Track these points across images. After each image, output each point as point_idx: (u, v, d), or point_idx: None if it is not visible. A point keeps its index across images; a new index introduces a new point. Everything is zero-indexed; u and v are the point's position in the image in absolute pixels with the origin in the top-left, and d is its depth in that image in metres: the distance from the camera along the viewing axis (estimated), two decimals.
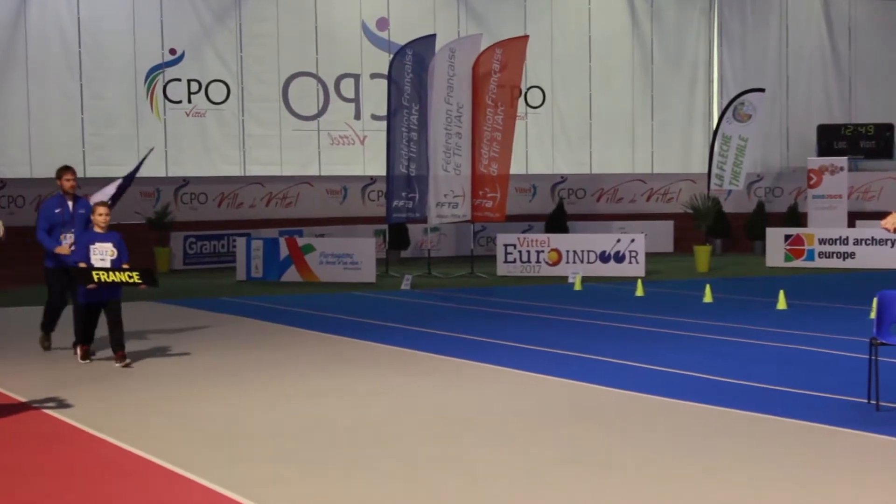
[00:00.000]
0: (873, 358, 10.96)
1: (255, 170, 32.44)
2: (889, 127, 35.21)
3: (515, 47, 27.72)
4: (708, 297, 20.84)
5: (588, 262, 26.11)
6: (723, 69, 36.77)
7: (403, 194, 26.68)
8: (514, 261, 26.53)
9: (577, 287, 23.70)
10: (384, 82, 28.61)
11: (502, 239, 26.87)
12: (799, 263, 27.75)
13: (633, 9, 36.15)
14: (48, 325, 15.56)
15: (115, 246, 13.94)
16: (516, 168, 30.09)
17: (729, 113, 32.95)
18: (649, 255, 26.61)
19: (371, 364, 14.19)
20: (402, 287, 24.07)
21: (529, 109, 34.47)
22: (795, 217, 32.68)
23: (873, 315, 15.02)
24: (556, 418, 10.72)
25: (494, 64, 27.01)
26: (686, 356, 14.44)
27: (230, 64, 32.18)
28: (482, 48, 27.56)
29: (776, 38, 37.08)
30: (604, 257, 26.21)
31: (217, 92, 32.11)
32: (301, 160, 33.01)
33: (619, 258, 26.15)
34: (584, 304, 20.91)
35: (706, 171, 33.33)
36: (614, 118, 35.94)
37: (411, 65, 26.78)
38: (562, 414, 10.93)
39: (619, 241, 26.45)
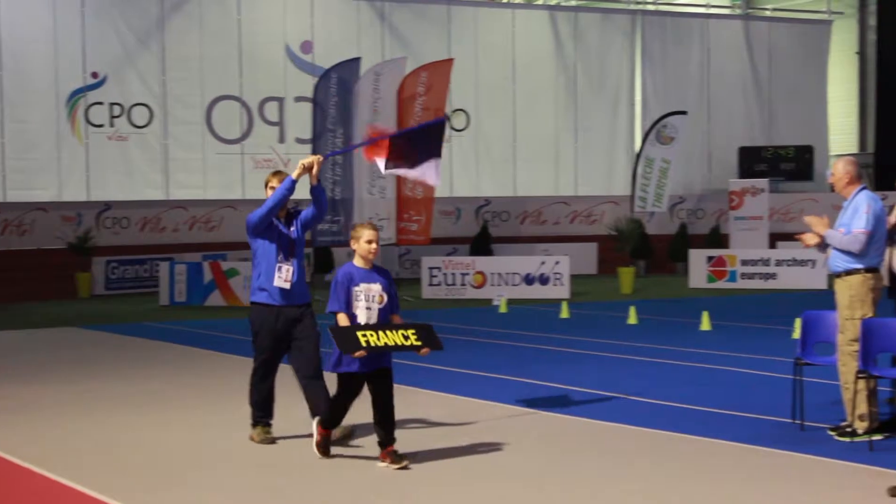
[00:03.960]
0: (797, 378, 11.07)
1: (178, 193, 32.22)
2: (808, 149, 35.66)
3: (440, 70, 27.77)
4: (632, 319, 20.95)
5: (513, 285, 26.17)
6: (645, 92, 37.06)
7: (328, 218, 26.59)
8: (439, 283, 26.54)
9: (503, 309, 23.75)
10: (309, 105, 28.56)
11: (427, 262, 26.89)
12: (721, 284, 27.98)
13: (556, 32, 36.35)
14: (264, 404, 10.91)
15: (384, 288, 9.94)
16: (441, 191, 30.11)
17: (652, 135, 33.21)
18: (573, 277, 26.73)
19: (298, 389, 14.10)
20: (328, 311, 23.95)
21: (454, 132, 34.51)
22: (717, 238, 32.97)
23: (796, 335, 15.19)
24: (483, 440, 10.72)
25: (419, 87, 27.05)
26: (611, 377, 14.50)
27: (153, 87, 31.97)
28: (407, 71, 27.60)
29: (697, 62, 37.46)
30: (528, 279, 26.28)
31: (140, 115, 31.87)
32: (224, 183, 32.84)
33: (543, 280, 26.24)
34: (509, 326, 20.95)
35: (629, 193, 33.55)
36: (538, 141, 36.08)
37: (336, 88, 26.75)
38: (489, 436, 10.93)
39: (543, 263, 26.55)
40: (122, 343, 19.18)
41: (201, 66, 32.34)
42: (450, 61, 28.50)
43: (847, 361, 10.56)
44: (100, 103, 31.49)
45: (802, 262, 27.51)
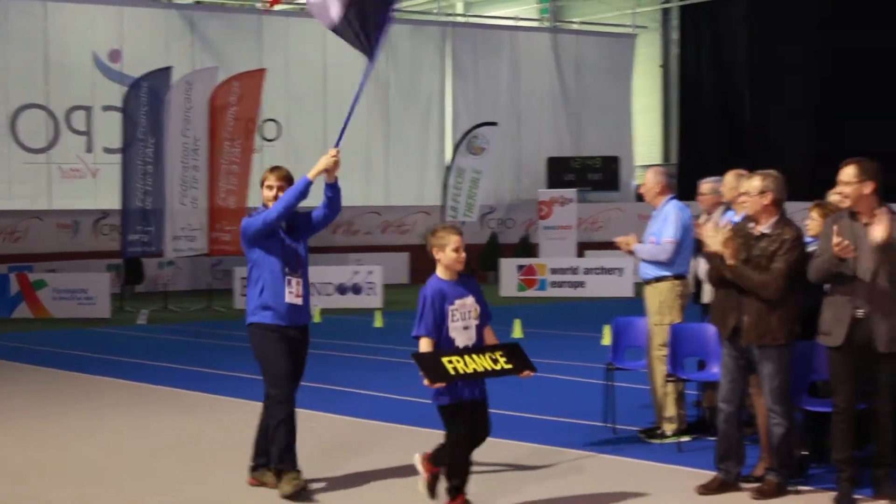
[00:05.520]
0: (609, 383, 11.36)
1: None
2: (615, 160, 36.41)
3: (252, 80, 27.65)
4: None
5: (326, 295, 26.18)
6: (456, 103, 37.39)
7: (139, 228, 26.27)
8: None
9: (317, 319, 23.74)
10: (118, 115, 28.14)
11: (240, 272, 26.72)
12: (532, 293, 28.42)
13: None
14: (291, 446, 9.35)
15: (477, 300, 8.54)
16: (253, 201, 29.92)
17: (462, 146, 33.52)
18: (386, 287, 26.87)
19: (115, 401, 13.97)
20: (139, 322, 23.72)
21: (265, 142, 34.35)
22: (527, 247, 33.45)
23: (605, 341, 15.56)
24: (299, 448, 10.77)
25: (231, 97, 26.90)
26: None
27: None
28: (218, 81, 27.43)
29: (507, 74, 37.91)
30: (341, 289, 26.34)
31: None
32: (30, 194, 32.12)
33: (356, 290, 26.33)
34: (323, 335, 20.94)
35: (440, 203, 33.82)
36: (349, 151, 35.86)
37: (146, 97, 26.43)
38: (302, 444, 10.97)
39: (356, 273, 26.65)
40: None
41: (6, 74, 31.57)
42: (262, 71, 28.39)
43: (656, 366, 10.90)
44: None
45: (610, 271, 28.10)
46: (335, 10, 9.94)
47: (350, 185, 35.88)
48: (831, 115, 33.59)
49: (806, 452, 9.51)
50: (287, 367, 9.14)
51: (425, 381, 8.04)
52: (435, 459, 8.68)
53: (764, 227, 8.98)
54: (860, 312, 8.57)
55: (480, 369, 8.16)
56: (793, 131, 34.71)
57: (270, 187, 9.34)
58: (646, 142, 40.28)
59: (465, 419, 8.33)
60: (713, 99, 38.32)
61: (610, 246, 11.39)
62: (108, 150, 32.00)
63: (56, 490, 9.41)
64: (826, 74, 34.15)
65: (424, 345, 8.28)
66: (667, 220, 10.93)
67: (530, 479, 9.46)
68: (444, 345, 8.27)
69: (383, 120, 36.53)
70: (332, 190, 9.40)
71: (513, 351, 8.39)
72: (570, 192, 32.54)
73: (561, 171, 36.20)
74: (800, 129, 34.57)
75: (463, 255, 8.39)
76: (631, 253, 11.15)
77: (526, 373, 8.40)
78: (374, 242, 34.68)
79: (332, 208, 9.49)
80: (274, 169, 9.54)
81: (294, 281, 9.18)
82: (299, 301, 9.18)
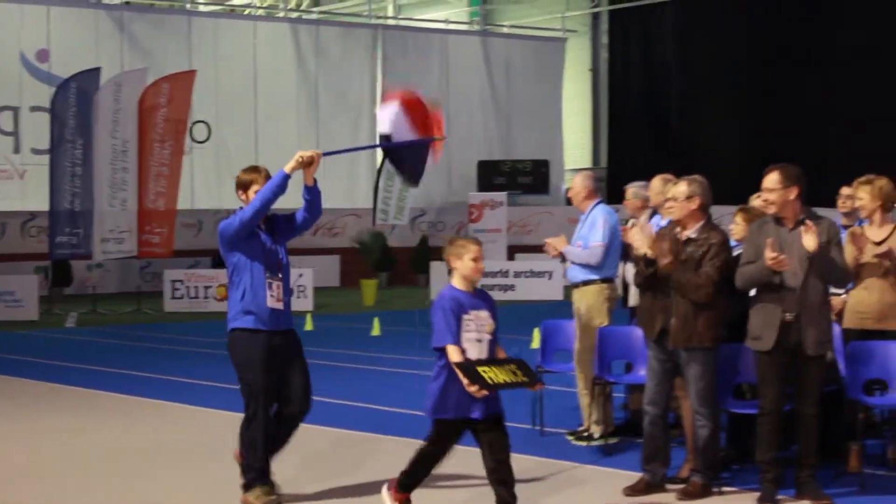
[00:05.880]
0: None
1: None
2: (545, 163, 36.57)
3: (182, 82, 27.56)
4: (376, 330, 21.20)
5: None
6: None
7: (67, 230, 26.08)
8: (182, 297, 26.32)
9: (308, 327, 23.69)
10: (46, 115, 27.93)
11: (169, 275, 26.64)
12: None
13: (298, 44, 36.40)
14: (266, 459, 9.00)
15: (492, 315, 8.30)
16: (182, 203, 29.79)
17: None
18: (317, 290, 26.84)
19: (43, 404, 13.89)
20: (67, 325, 23.56)
21: (195, 144, 34.21)
22: None
23: (535, 345, 15.65)
24: (227, 450, 10.77)
25: (161, 98, 26.78)
26: (357, 388, 14.70)
27: None
28: (148, 82, 27.30)
29: (438, 77, 37.97)
30: None
31: None
32: None
33: None
34: None
35: (371, 205, 33.82)
36: (280, 153, 35.61)
37: (75, 98, 26.25)
38: (231, 446, 10.98)
39: None
40: None
41: None
42: (192, 73, 28.31)
43: (584, 368, 10.99)
44: None
45: (540, 274, 28.24)
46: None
47: None
48: (759, 120, 33.97)
49: (729, 453, 9.67)
50: (265, 379, 8.73)
51: (472, 389, 7.77)
52: (403, 485, 8.33)
53: (690, 232, 9.09)
54: (789, 316, 8.70)
55: (507, 381, 7.92)
56: (720, 136, 35.06)
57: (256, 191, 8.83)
58: (576, 145, 40.51)
59: (454, 440, 8.20)
60: (642, 103, 38.63)
61: (540, 249, 11.48)
62: (36, 151, 31.76)
63: None
64: (754, 80, 34.51)
65: (454, 352, 7.96)
66: (594, 224, 11.04)
67: (457, 481, 9.52)
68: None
69: (314, 122, 36.51)
70: (311, 193, 8.91)
71: (522, 364, 8.15)
72: (501, 196, 32.67)
73: (491, 175, 36.31)
74: (727, 134, 34.92)
75: (482, 265, 8.21)
76: (560, 255, 11.24)
77: (538, 385, 8.35)
78: (305, 245, 34.55)
79: (312, 212, 9.01)
80: (252, 169, 9.04)
81: (275, 285, 8.81)
82: (280, 305, 8.81)
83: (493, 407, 8.07)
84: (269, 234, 8.91)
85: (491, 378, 7.79)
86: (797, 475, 8.88)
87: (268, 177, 8.85)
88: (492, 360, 8.02)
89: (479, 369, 7.83)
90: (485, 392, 7.76)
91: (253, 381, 8.76)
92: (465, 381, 7.78)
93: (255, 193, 8.76)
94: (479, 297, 8.20)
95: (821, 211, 9.04)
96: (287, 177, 8.65)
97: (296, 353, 8.98)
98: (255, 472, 8.80)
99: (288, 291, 8.92)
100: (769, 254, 8.53)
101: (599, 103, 40.75)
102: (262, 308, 8.73)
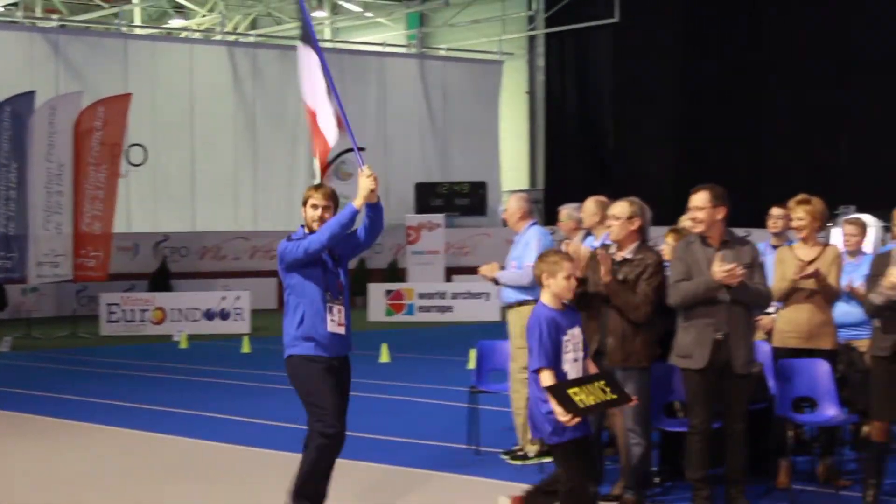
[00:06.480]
0: (473, 405, 11.53)
1: None
2: (482, 185, 36.68)
3: (117, 105, 27.43)
4: None
5: (193, 320, 26.03)
6: None
7: (2, 254, 25.87)
8: (118, 320, 26.17)
9: (183, 345, 23.62)
10: None
11: (105, 298, 26.48)
12: (400, 317, 28.52)
13: (234, 67, 36.37)
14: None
15: (581, 328, 8.07)
16: (118, 226, 29.66)
17: (330, 171, 33.58)
18: (255, 312, 26.78)
19: None
20: (1, 349, 23.35)
21: (131, 167, 34.05)
22: (395, 272, 33.56)
23: (471, 365, 15.74)
24: (166, 475, 10.76)
25: (96, 122, 26.65)
26: (292, 410, 14.68)
27: None
28: (83, 105, 27.17)
29: (375, 99, 38.05)
30: (209, 315, 26.21)
31: None
32: None
33: (224, 315, 26.22)
34: (190, 361, 20.89)
35: None
36: (217, 176, 35.96)
37: (9, 121, 26.07)
38: (171, 470, 10.97)
39: (224, 298, 26.53)
40: None
41: None
42: (127, 96, 28.19)
43: (518, 388, 11.06)
44: None
45: (477, 295, 28.33)
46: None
47: (218, 210, 35.95)
48: (693, 142, 34.30)
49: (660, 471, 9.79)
50: (334, 399, 8.36)
51: (564, 418, 7.48)
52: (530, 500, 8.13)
53: (626, 253, 9.21)
54: (720, 335, 8.82)
55: (599, 401, 7.58)
56: (655, 158, 35.34)
57: (315, 206, 8.59)
58: (513, 167, 40.67)
59: (582, 457, 7.81)
60: (578, 125, 38.89)
61: (477, 271, 11.56)
62: None
63: None
64: (689, 103, 34.86)
65: (548, 377, 7.63)
66: (528, 245, 11.14)
67: (394, 502, 9.56)
68: (560, 379, 7.68)
69: (251, 144, 36.48)
70: (374, 210, 8.67)
71: (610, 379, 7.86)
72: (438, 217, 32.75)
73: (429, 197, 36.38)
74: (662, 156, 35.22)
75: (574, 282, 7.94)
76: (494, 281, 11.33)
77: (633, 401, 7.97)
78: (243, 268, 34.52)
79: (375, 229, 8.77)
80: (318, 187, 8.72)
81: (336, 308, 8.45)
82: (342, 330, 8.45)
83: (586, 428, 7.81)
84: (329, 255, 8.62)
85: (582, 401, 7.46)
86: (727, 491, 9.00)
87: (327, 195, 8.64)
88: (581, 380, 7.67)
89: (570, 392, 7.49)
90: (578, 419, 7.48)
91: (321, 404, 8.35)
92: (558, 409, 7.46)
93: (311, 208, 8.58)
94: (571, 313, 7.95)
95: (754, 231, 9.19)
96: (356, 212, 8.44)
97: (347, 382, 8.65)
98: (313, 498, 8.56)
99: (349, 315, 8.60)
100: (720, 267, 8.65)
101: (536, 125, 40.94)
102: (322, 333, 8.38)
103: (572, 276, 7.86)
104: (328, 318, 8.36)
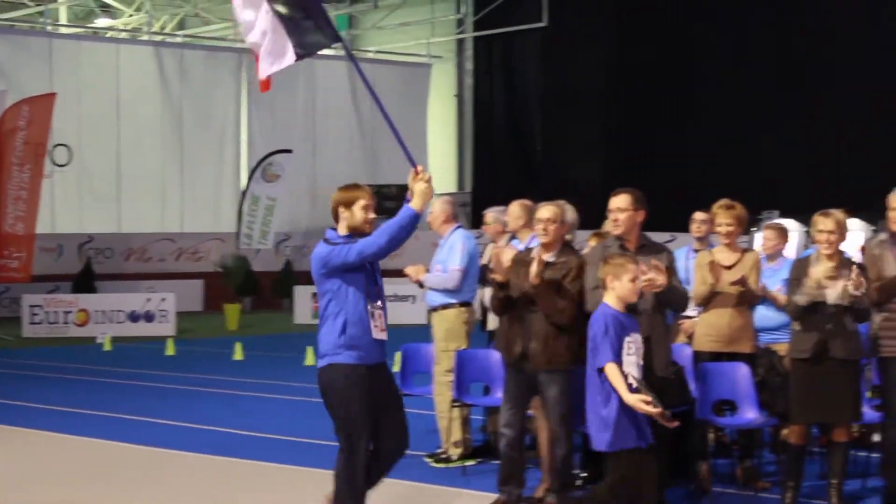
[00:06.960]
0: None
1: None
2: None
3: (42, 104, 27.19)
4: (238, 355, 21.10)
5: (118, 322, 25.85)
6: (252, 130, 37.23)
7: None
8: (41, 322, 25.92)
9: (107, 347, 23.43)
10: None
11: (28, 300, 26.22)
12: None
13: (161, 68, 36.12)
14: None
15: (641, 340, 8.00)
16: (42, 227, 29.39)
17: (257, 173, 33.45)
18: (180, 314, 26.61)
19: None
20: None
21: (56, 167, 33.73)
22: None
23: (396, 368, 15.72)
24: (89, 477, 10.68)
25: (21, 121, 26.39)
26: (217, 412, 14.64)
27: None
28: (7, 104, 26.91)
29: (303, 101, 37.94)
30: (133, 317, 26.03)
31: None
32: None
33: (149, 317, 26.05)
34: (114, 364, 20.74)
35: (235, 230, 33.67)
36: (144, 177, 35.70)
37: None
38: (93, 473, 10.89)
39: (148, 300, 26.35)
40: None
41: None
42: (52, 95, 27.93)
43: (442, 391, 11.09)
44: None
45: (404, 298, 28.32)
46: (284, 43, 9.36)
47: (143, 211, 35.68)
48: (620, 147, 34.48)
49: (584, 473, 9.83)
50: (367, 413, 7.91)
51: (655, 410, 7.42)
52: None
53: (549, 256, 9.24)
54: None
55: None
56: (583, 162, 35.47)
57: (367, 208, 8.16)
58: (441, 170, 40.63)
59: (651, 463, 7.72)
60: (506, 129, 38.98)
61: (403, 274, 11.56)
62: None
63: None
64: (616, 108, 35.04)
65: (614, 371, 7.59)
66: (453, 248, 11.16)
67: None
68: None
69: (178, 146, 36.23)
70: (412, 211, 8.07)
71: (659, 396, 7.64)
72: None
73: None
74: (589, 161, 35.33)
75: (640, 286, 7.87)
76: (420, 283, 11.34)
77: (673, 424, 7.67)
78: (168, 269, 34.29)
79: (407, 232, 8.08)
80: (359, 187, 8.31)
81: (377, 313, 8.03)
82: (385, 336, 8.06)
83: (645, 436, 7.69)
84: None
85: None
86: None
87: (372, 195, 8.26)
88: (645, 385, 7.59)
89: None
90: (676, 423, 7.30)
91: (355, 421, 7.89)
92: (647, 408, 7.35)
93: (362, 209, 8.11)
94: (633, 319, 7.88)
95: (679, 235, 9.27)
96: (418, 216, 7.98)
97: (391, 387, 8.32)
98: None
99: (387, 320, 8.18)
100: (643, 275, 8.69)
101: (464, 129, 41.02)
102: (365, 341, 7.94)
103: (637, 279, 7.79)
104: (371, 323, 7.97)
